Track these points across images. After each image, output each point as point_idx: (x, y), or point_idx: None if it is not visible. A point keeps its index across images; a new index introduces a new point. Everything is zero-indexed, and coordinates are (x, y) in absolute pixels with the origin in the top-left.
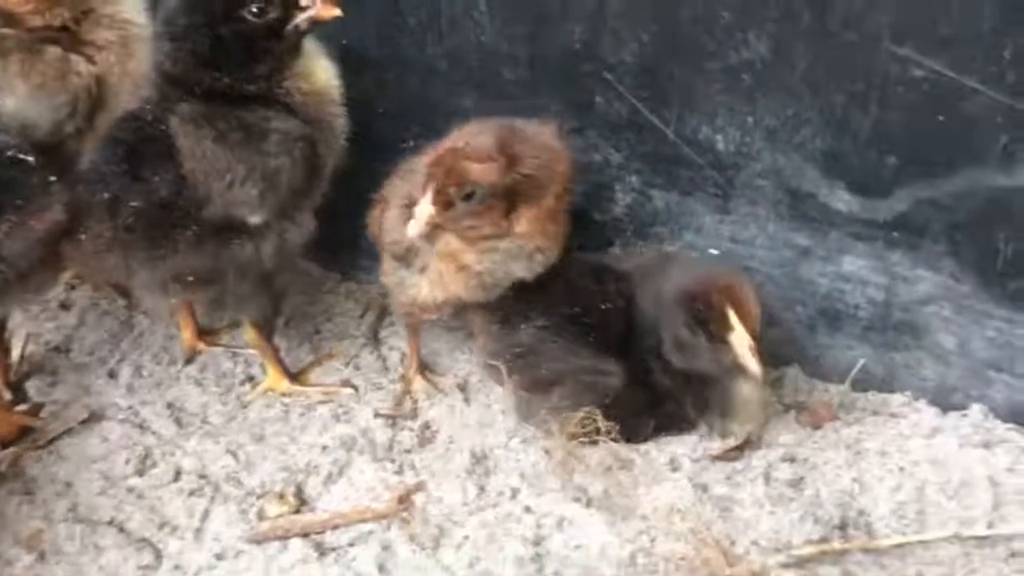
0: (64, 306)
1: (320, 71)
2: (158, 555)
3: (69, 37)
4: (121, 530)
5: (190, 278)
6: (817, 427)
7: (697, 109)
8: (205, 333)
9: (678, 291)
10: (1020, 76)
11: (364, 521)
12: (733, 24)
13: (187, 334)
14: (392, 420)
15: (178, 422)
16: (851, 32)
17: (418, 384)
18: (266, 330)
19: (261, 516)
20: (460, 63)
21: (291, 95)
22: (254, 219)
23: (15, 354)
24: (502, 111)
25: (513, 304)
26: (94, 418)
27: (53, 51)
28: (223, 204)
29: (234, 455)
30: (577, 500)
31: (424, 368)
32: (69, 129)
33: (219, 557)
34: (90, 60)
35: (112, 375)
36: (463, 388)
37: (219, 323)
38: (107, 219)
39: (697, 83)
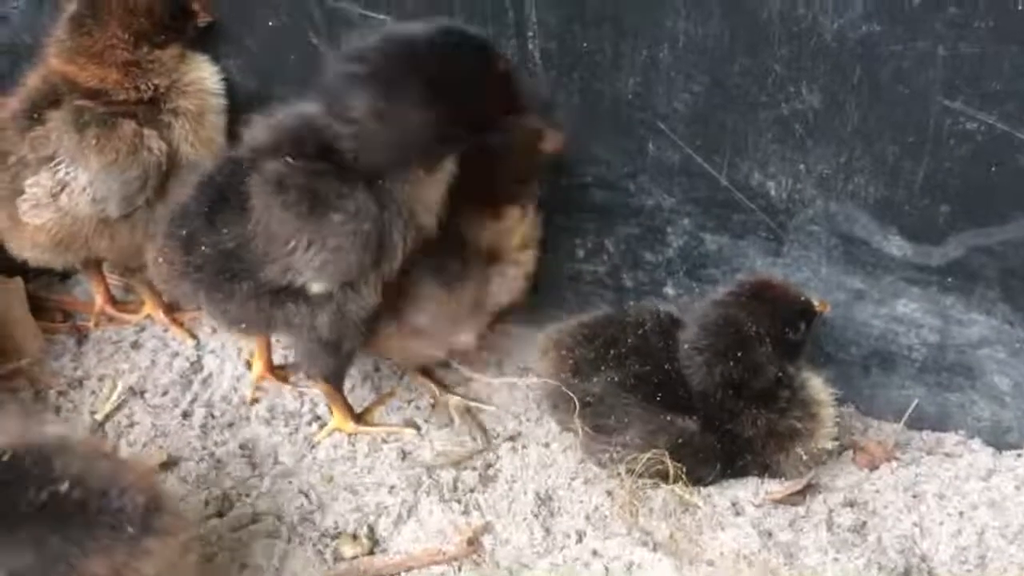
0: (135, 346)
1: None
2: None
3: (146, 110)
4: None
5: (243, 326)
6: (874, 468)
7: (749, 156)
8: (277, 368)
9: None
10: None
11: (436, 563)
12: (784, 76)
13: (258, 364)
14: (458, 461)
15: (251, 463)
16: (902, 86)
17: (451, 400)
18: (334, 383)
19: (337, 557)
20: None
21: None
22: (313, 288)
23: (111, 398)
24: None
25: (587, 350)
26: (171, 460)
27: (128, 126)
28: (281, 268)
29: (306, 496)
30: (644, 544)
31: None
32: (139, 201)
33: None
34: (163, 135)
35: (186, 416)
36: (519, 428)
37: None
38: (181, 253)
39: (749, 131)
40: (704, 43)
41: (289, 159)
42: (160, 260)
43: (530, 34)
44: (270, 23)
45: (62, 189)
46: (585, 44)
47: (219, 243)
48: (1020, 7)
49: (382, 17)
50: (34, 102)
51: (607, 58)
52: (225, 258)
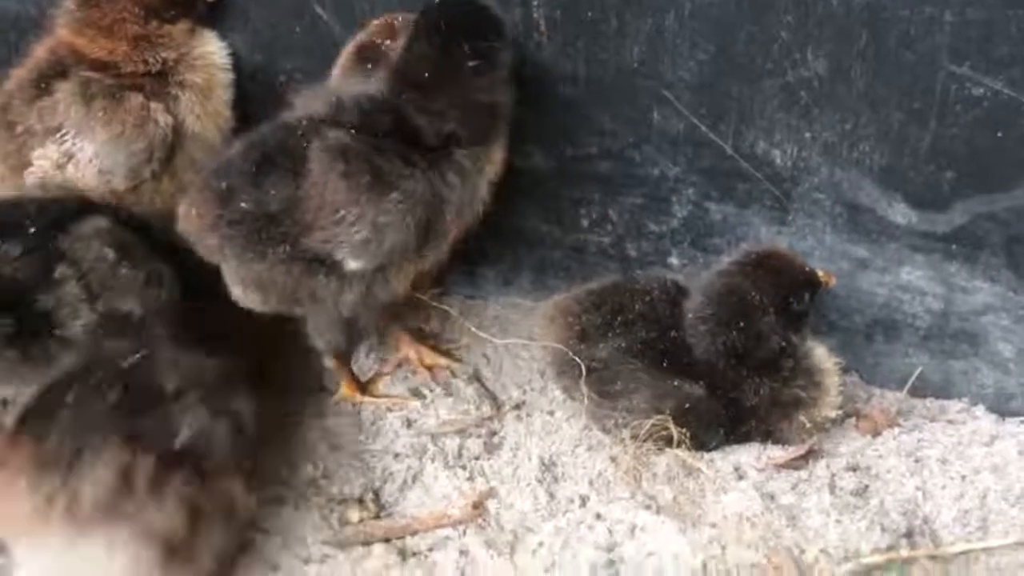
0: None
1: (496, 157)
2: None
3: (154, 82)
4: None
5: (263, 290)
6: (876, 434)
7: (754, 125)
8: None
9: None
10: None
11: (442, 526)
12: (790, 43)
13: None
14: (462, 429)
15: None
16: (908, 52)
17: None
18: (343, 357)
19: (343, 522)
20: (520, 81)
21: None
22: (351, 265)
23: None
24: (561, 126)
25: (594, 317)
26: None
27: (135, 99)
28: (323, 238)
29: (313, 463)
30: (647, 508)
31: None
32: (145, 174)
33: (306, 561)
34: (170, 108)
35: None
36: (524, 397)
37: None
38: (216, 206)
39: (754, 100)
40: (709, 11)
41: (353, 130)
42: (192, 211)
43: (535, 3)
44: None
45: (68, 160)
46: (590, 13)
47: (261, 203)
48: None
49: None
50: (41, 73)
51: (612, 27)
52: (265, 219)
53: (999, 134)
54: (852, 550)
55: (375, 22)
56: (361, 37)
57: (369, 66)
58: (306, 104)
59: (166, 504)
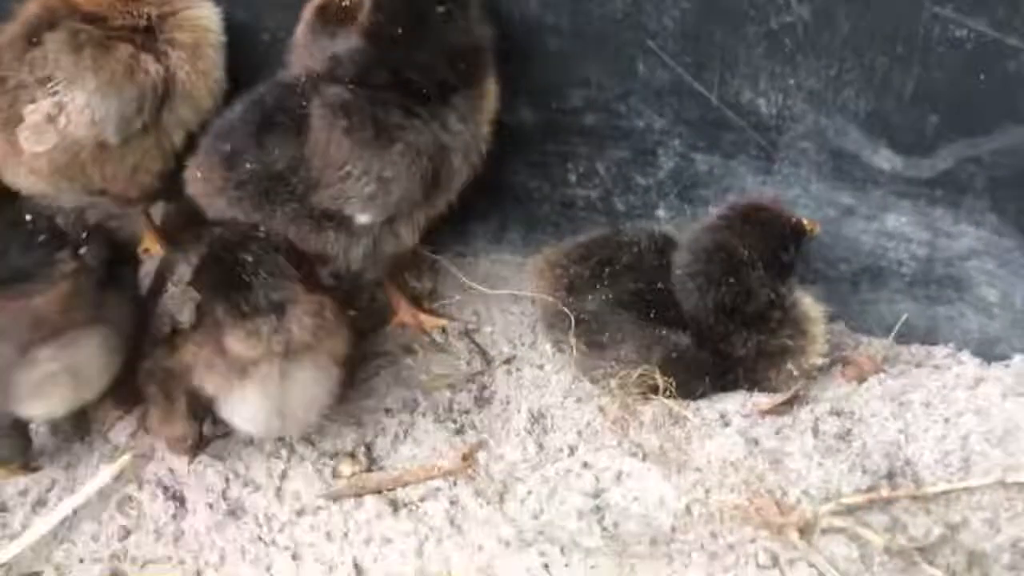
0: None
1: (491, 97)
2: (245, 511)
3: (144, 36)
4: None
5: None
6: (862, 380)
7: (739, 73)
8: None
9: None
10: None
11: (432, 478)
12: None
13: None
14: (453, 384)
15: None
16: None
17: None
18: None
19: (336, 475)
20: (505, 34)
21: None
22: (360, 219)
23: None
24: (546, 79)
25: (582, 269)
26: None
27: (124, 48)
28: (331, 195)
29: None
30: (633, 455)
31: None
32: (136, 124)
33: (299, 513)
34: (160, 59)
35: None
36: (514, 351)
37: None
38: (222, 169)
39: (739, 48)
40: None
41: (352, 86)
42: (198, 174)
43: None
44: None
45: (60, 111)
46: None
47: (267, 163)
48: None
49: None
50: (33, 26)
51: None
52: (271, 179)
53: (982, 76)
54: (833, 491)
55: None
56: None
57: (333, 25)
58: (301, 61)
59: (342, 332)
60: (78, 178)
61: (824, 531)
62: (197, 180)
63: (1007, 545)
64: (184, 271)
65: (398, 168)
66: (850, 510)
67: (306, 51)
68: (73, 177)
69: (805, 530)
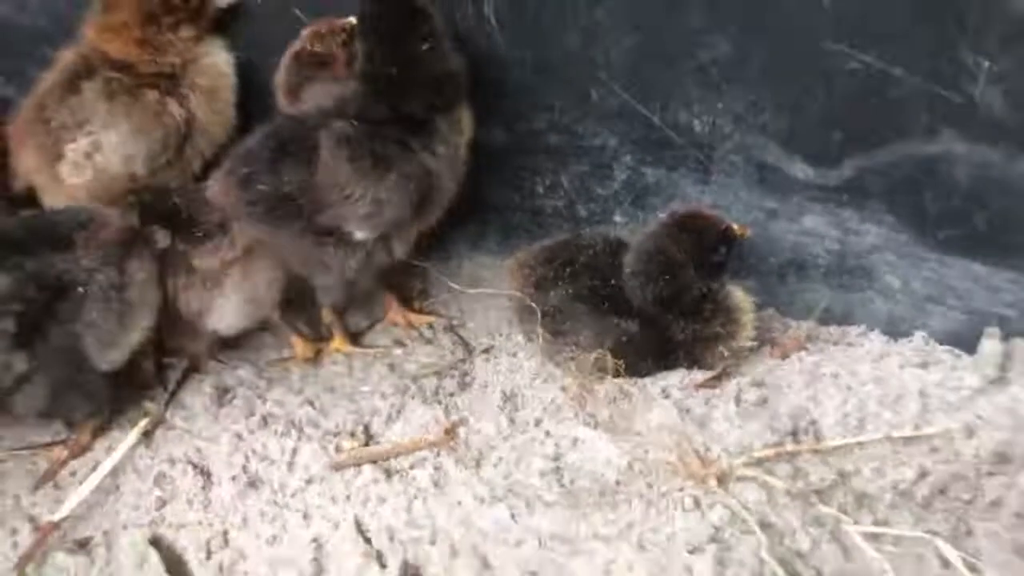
0: None
1: (466, 119)
2: (262, 481)
3: (168, 83)
4: (229, 464)
5: (284, 258)
6: (785, 357)
7: (676, 100)
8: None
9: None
10: (935, 66)
11: (420, 449)
12: (701, 30)
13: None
14: (439, 371)
15: (268, 378)
16: (799, 33)
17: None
18: (340, 313)
19: (338, 449)
20: (476, 69)
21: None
22: (358, 235)
23: None
24: (515, 106)
25: (547, 269)
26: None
27: (151, 95)
28: (334, 214)
29: (311, 403)
30: (587, 424)
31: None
32: (161, 161)
33: (309, 482)
34: (182, 103)
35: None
36: (492, 343)
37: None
38: (239, 189)
39: (675, 79)
40: (632, 4)
41: (354, 122)
42: (220, 192)
43: (485, 2)
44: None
45: (96, 150)
46: (534, 8)
47: (278, 186)
48: None
49: None
50: (71, 74)
51: (552, 20)
52: (280, 199)
53: (873, 101)
54: (747, 447)
55: (305, 31)
56: (296, 46)
57: (307, 70)
58: (315, 100)
59: None
60: (110, 204)
61: (738, 479)
62: (217, 196)
63: (889, 487)
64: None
65: (391, 193)
66: (759, 462)
67: (287, 93)
68: (105, 203)
69: (722, 479)
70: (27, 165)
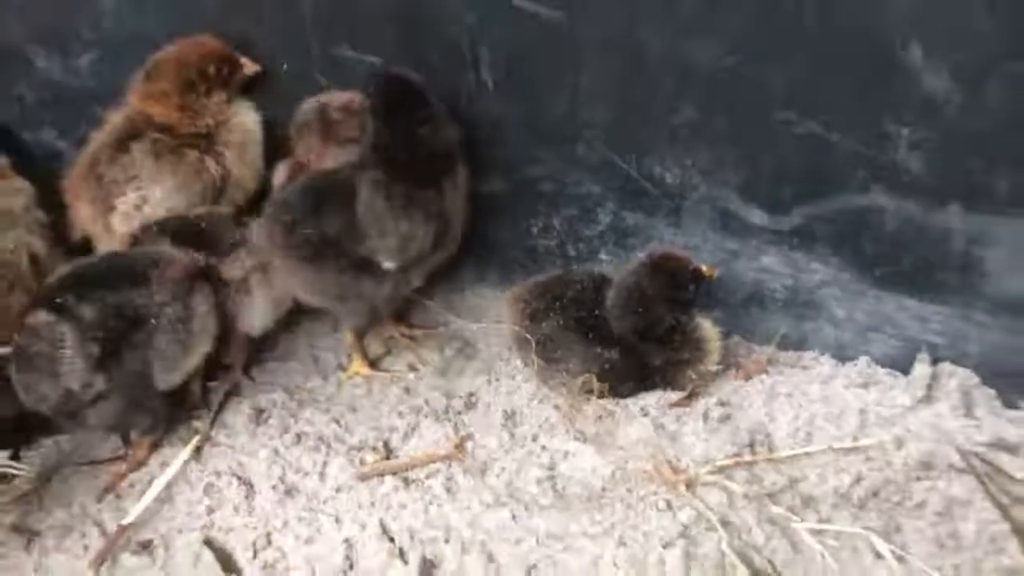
0: None
1: (462, 175)
2: (298, 490)
3: (205, 142)
4: (268, 476)
5: (322, 291)
6: (748, 378)
7: (651, 155)
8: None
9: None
10: (865, 133)
11: (433, 462)
12: (671, 97)
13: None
14: (448, 392)
15: (299, 400)
16: (753, 103)
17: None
18: (360, 336)
19: (362, 463)
20: (476, 126)
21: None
22: (388, 264)
23: None
24: (511, 159)
25: (540, 303)
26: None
27: (192, 154)
28: (370, 248)
29: (337, 422)
30: (577, 439)
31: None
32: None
33: (338, 490)
34: (218, 159)
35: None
36: (493, 368)
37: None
38: (283, 235)
39: (649, 137)
40: (612, 73)
41: (383, 172)
42: (265, 238)
43: (482, 68)
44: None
45: (144, 202)
46: (527, 75)
47: (321, 229)
48: (824, 47)
49: (372, 59)
50: (119, 135)
51: (542, 85)
52: (323, 241)
53: (816, 160)
54: (711, 457)
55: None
56: (288, 162)
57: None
58: (347, 156)
59: None
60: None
61: (703, 485)
62: (263, 241)
63: (831, 491)
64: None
65: (416, 228)
66: (722, 470)
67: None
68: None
69: (690, 485)
70: (82, 216)
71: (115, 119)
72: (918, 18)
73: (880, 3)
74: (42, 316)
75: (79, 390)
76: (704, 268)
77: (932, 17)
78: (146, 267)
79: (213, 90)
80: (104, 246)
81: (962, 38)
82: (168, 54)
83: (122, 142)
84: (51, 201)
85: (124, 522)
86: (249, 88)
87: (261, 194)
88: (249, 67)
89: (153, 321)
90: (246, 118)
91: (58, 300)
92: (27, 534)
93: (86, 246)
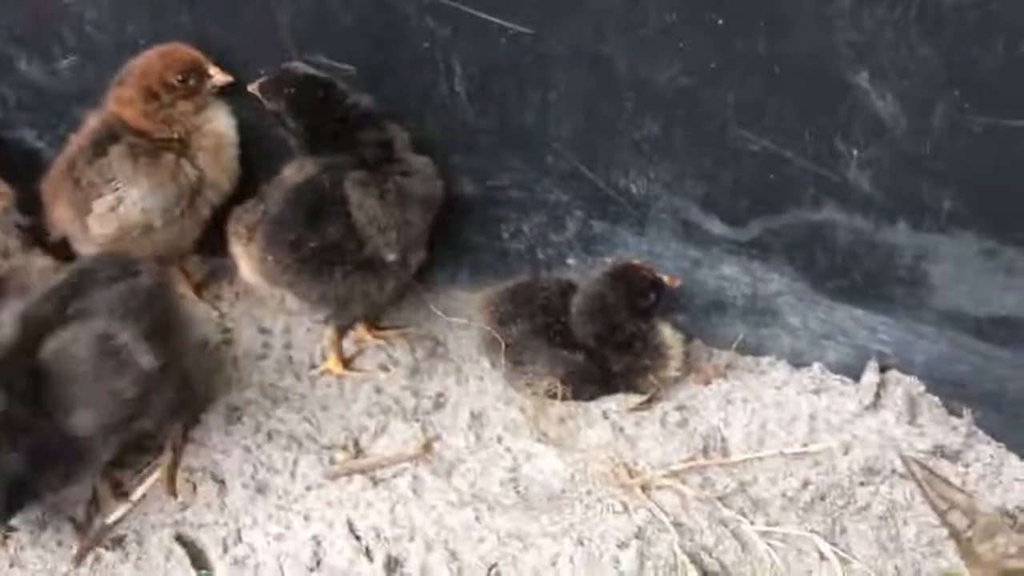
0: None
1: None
2: (269, 488)
3: (180, 146)
4: (241, 473)
5: (334, 299)
6: (707, 383)
7: (615, 167)
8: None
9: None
10: (817, 151)
11: (401, 462)
12: (633, 112)
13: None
14: (417, 392)
15: (271, 399)
16: (709, 120)
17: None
18: (343, 332)
19: (332, 461)
20: (449, 135)
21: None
22: (390, 257)
23: None
24: (483, 166)
25: (509, 307)
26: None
27: (168, 156)
28: (374, 245)
29: (309, 421)
30: (540, 441)
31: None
32: (176, 212)
33: (308, 488)
34: (193, 162)
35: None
36: (462, 369)
37: None
38: (290, 252)
39: (614, 150)
40: (578, 89)
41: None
42: (268, 259)
43: (456, 81)
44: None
45: (119, 203)
46: (498, 87)
47: (325, 238)
48: (777, 70)
49: (345, 67)
50: (97, 138)
51: (513, 97)
52: (328, 249)
53: (771, 176)
54: (667, 461)
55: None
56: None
57: None
58: (332, 158)
59: None
60: (131, 249)
61: (658, 488)
62: (266, 262)
63: (779, 494)
64: None
65: (412, 214)
66: (676, 474)
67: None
68: (127, 248)
69: (646, 488)
70: (60, 218)
71: (92, 122)
72: (865, 46)
73: (828, 32)
74: None
75: None
76: (665, 278)
77: (878, 46)
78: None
79: (178, 99)
80: (81, 247)
81: (907, 66)
82: (136, 61)
83: (100, 145)
84: (30, 202)
85: (108, 521)
86: (229, 92)
87: (237, 195)
88: (219, 77)
89: None
90: (220, 124)
91: None
92: (3, 529)
93: (65, 246)
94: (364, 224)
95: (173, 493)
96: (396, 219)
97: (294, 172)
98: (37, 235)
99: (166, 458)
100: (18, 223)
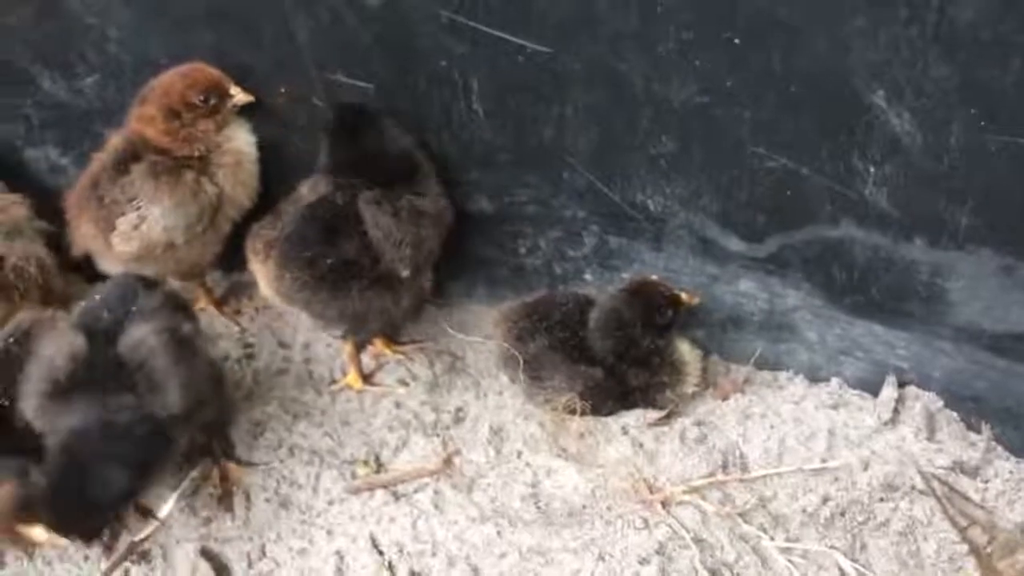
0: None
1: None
2: (292, 503)
3: (200, 163)
4: (264, 488)
5: (351, 316)
6: (725, 398)
7: (632, 183)
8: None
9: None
10: (835, 168)
11: (422, 476)
12: (650, 129)
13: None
14: (436, 407)
15: (293, 414)
16: (727, 137)
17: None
18: (361, 347)
19: (354, 476)
20: (467, 152)
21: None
22: (404, 273)
23: None
24: (501, 182)
25: (527, 323)
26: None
27: (189, 174)
28: (389, 259)
29: (330, 436)
30: (560, 456)
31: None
32: (198, 229)
33: (330, 503)
34: (213, 180)
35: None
36: (481, 384)
37: None
38: (307, 270)
39: (631, 166)
40: (594, 105)
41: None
42: (286, 277)
43: (473, 98)
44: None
45: (142, 221)
46: (515, 104)
47: (341, 255)
48: (793, 88)
49: (364, 85)
50: (119, 157)
51: (530, 114)
52: (345, 265)
53: (788, 192)
54: (687, 477)
55: None
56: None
57: None
58: (348, 179)
59: None
60: (153, 266)
61: (678, 504)
62: (283, 280)
63: (799, 510)
64: None
65: (426, 230)
66: (696, 489)
67: None
68: (149, 265)
69: (666, 503)
70: (83, 234)
71: (115, 141)
72: (881, 64)
73: (843, 51)
74: None
75: None
76: (684, 295)
77: (894, 64)
78: None
79: (199, 118)
80: (105, 264)
81: (922, 84)
82: (158, 80)
83: (122, 163)
84: (53, 218)
85: (136, 538)
86: (249, 111)
87: (258, 210)
88: (240, 96)
89: None
90: (240, 142)
91: None
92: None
93: (88, 263)
94: (379, 240)
95: (230, 509)
96: (411, 235)
97: (309, 190)
98: (62, 250)
99: (198, 472)
100: (43, 230)
